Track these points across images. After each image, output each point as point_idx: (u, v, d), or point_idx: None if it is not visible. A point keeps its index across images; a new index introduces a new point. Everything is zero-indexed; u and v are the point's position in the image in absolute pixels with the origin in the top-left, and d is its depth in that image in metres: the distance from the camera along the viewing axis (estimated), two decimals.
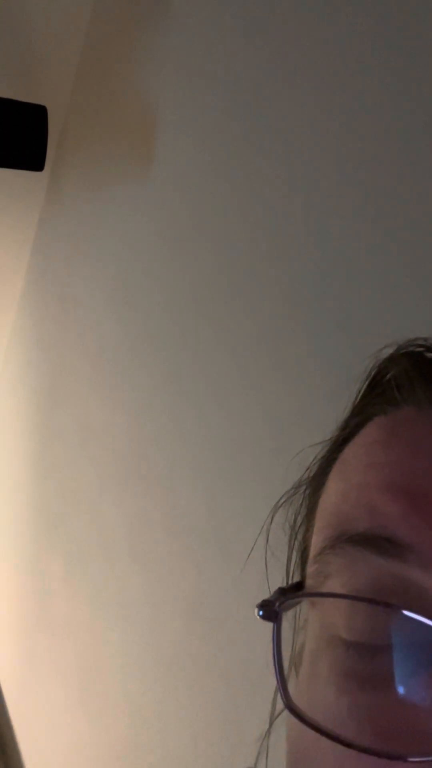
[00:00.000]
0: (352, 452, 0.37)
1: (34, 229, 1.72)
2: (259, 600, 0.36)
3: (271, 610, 0.34)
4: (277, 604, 0.34)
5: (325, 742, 0.30)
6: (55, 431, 1.54)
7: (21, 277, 1.76)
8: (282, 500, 0.43)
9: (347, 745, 0.29)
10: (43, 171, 1.50)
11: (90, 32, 1.53)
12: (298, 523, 0.41)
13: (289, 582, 0.42)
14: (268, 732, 0.44)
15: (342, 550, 0.33)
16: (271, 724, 0.43)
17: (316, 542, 0.36)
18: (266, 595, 0.37)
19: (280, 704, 0.33)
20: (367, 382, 0.39)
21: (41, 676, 1.51)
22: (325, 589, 0.34)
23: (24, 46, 1.54)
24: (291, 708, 0.32)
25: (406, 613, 0.30)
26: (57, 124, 1.57)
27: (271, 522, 0.44)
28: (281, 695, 0.32)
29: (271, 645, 0.34)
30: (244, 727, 0.80)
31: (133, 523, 1.17)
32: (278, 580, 0.42)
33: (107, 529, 1.26)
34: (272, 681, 0.34)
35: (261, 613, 0.34)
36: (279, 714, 0.38)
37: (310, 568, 0.36)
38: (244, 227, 0.96)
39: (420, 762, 0.28)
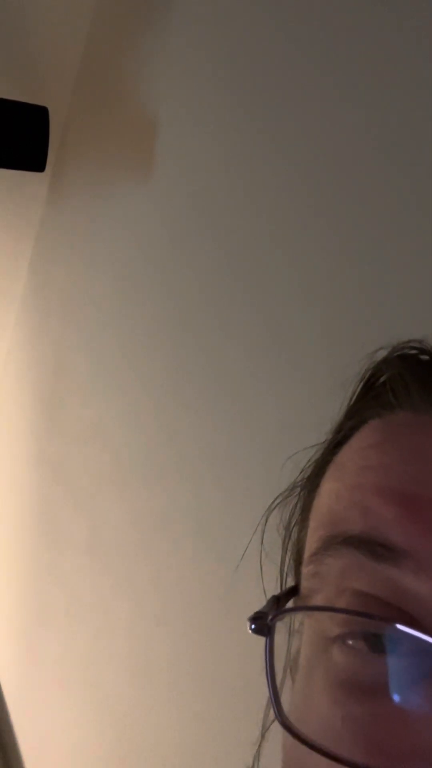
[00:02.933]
0: (346, 455, 0.37)
1: (36, 229, 1.72)
2: (253, 602, 0.36)
3: (263, 624, 0.34)
4: (270, 617, 0.34)
5: (318, 755, 0.30)
6: (56, 430, 1.54)
7: (22, 277, 1.76)
8: (276, 502, 0.43)
9: (338, 760, 0.29)
10: (45, 172, 1.50)
11: (91, 33, 1.53)
12: (292, 525, 0.41)
13: (283, 584, 0.42)
14: (261, 738, 0.44)
15: (336, 551, 0.33)
16: (263, 733, 0.42)
17: (310, 543, 0.36)
18: (260, 597, 0.37)
19: (272, 714, 0.33)
20: (361, 385, 0.39)
21: (42, 675, 1.51)
22: (320, 596, 0.34)
23: (25, 47, 1.54)
24: (285, 724, 0.32)
25: (399, 627, 0.30)
26: (58, 125, 1.57)
27: (266, 524, 0.44)
28: (275, 712, 0.32)
29: (263, 658, 0.33)
30: (242, 731, 0.80)
31: (131, 523, 1.17)
32: (273, 582, 0.42)
33: (106, 528, 1.26)
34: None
35: (253, 627, 0.34)
36: (270, 724, 0.38)
37: (305, 569, 0.36)
38: (244, 228, 0.96)
39: None
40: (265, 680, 0.34)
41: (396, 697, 0.30)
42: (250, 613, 0.35)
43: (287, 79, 0.90)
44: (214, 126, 1.07)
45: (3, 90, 1.48)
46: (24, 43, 1.54)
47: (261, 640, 0.35)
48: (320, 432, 0.39)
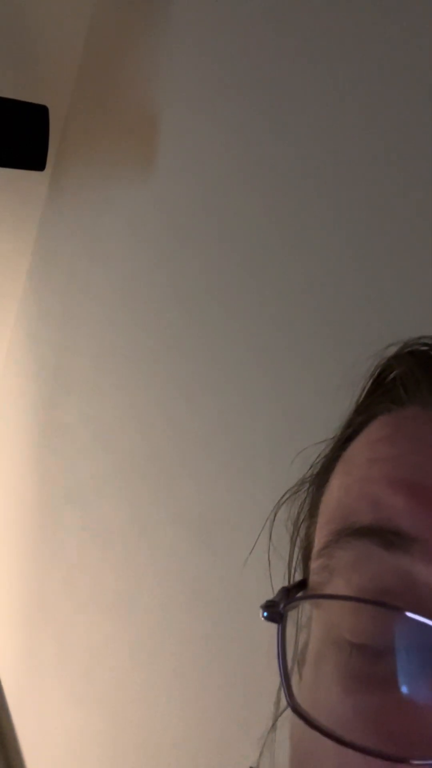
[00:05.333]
0: (356, 450, 0.37)
1: (36, 228, 1.72)
2: (261, 597, 0.36)
3: (275, 612, 0.34)
4: (282, 605, 0.34)
5: (328, 742, 0.30)
6: (57, 429, 1.54)
7: (23, 275, 1.76)
8: (285, 497, 0.43)
9: (351, 746, 0.29)
10: (45, 170, 1.50)
11: (91, 32, 1.54)
12: (301, 520, 0.42)
13: (291, 580, 0.42)
14: (272, 730, 0.44)
15: (347, 543, 0.33)
16: (274, 722, 0.43)
17: (319, 537, 0.36)
18: (268, 592, 0.37)
19: (283, 702, 0.33)
20: (371, 381, 0.39)
21: (42, 671, 1.51)
22: (329, 588, 0.34)
23: (25, 46, 1.54)
24: (296, 709, 0.32)
25: (410, 615, 0.30)
26: (58, 124, 1.57)
27: (274, 519, 0.44)
28: (286, 697, 0.32)
29: (275, 645, 0.33)
30: (247, 724, 0.80)
31: (136, 519, 1.17)
32: (281, 577, 0.42)
33: (110, 525, 1.26)
34: (275, 678, 0.34)
35: (266, 614, 0.34)
36: (282, 712, 0.39)
37: (314, 563, 0.36)
38: (244, 226, 0.96)
39: (424, 765, 0.28)
40: (271, 673, 0.34)
41: (406, 686, 0.30)
42: (258, 608, 0.35)
43: (287, 74, 0.90)
44: (214, 122, 1.07)
45: (3, 89, 1.47)
46: (24, 43, 1.54)
47: (268, 635, 0.35)
48: (329, 428, 0.40)
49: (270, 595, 0.36)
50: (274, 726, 0.42)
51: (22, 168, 1.49)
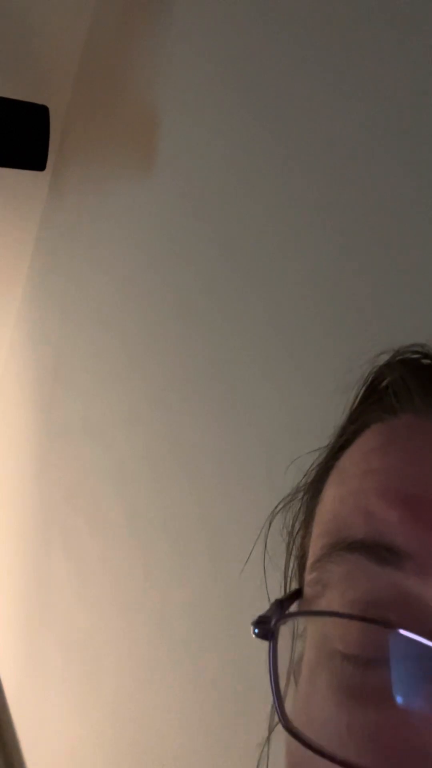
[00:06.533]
0: (349, 459, 0.36)
1: (36, 228, 1.72)
2: (258, 606, 0.36)
3: (266, 629, 0.34)
4: (273, 621, 0.34)
5: (323, 759, 0.30)
6: (56, 431, 1.54)
7: (22, 276, 1.76)
8: (279, 506, 0.43)
9: (344, 764, 0.29)
10: (45, 170, 1.51)
11: (91, 32, 1.53)
12: (296, 530, 0.41)
13: (287, 589, 0.41)
14: (268, 740, 0.43)
15: (340, 557, 0.33)
16: (269, 735, 0.42)
17: (314, 549, 0.36)
18: (264, 602, 0.36)
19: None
20: (363, 389, 0.39)
21: (44, 674, 1.51)
22: (323, 601, 0.34)
23: (25, 46, 1.54)
24: (288, 728, 0.31)
25: (403, 633, 0.29)
26: (59, 124, 1.57)
27: (269, 528, 0.44)
28: (278, 716, 0.32)
29: (267, 662, 0.33)
30: (243, 733, 0.80)
31: (132, 526, 1.17)
32: (276, 586, 0.42)
33: (108, 530, 1.26)
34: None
35: (256, 631, 0.34)
36: (276, 724, 0.38)
37: (308, 576, 0.35)
38: (243, 228, 0.96)
39: None
40: (268, 684, 0.34)
41: (400, 702, 0.30)
42: (254, 617, 0.35)
43: (287, 75, 0.90)
44: (214, 122, 1.07)
45: (3, 89, 1.47)
46: (24, 43, 1.54)
47: (264, 645, 0.35)
48: (323, 436, 0.39)
49: (266, 606, 0.36)
50: (269, 738, 0.42)
51: (22, 168, 1.49)
